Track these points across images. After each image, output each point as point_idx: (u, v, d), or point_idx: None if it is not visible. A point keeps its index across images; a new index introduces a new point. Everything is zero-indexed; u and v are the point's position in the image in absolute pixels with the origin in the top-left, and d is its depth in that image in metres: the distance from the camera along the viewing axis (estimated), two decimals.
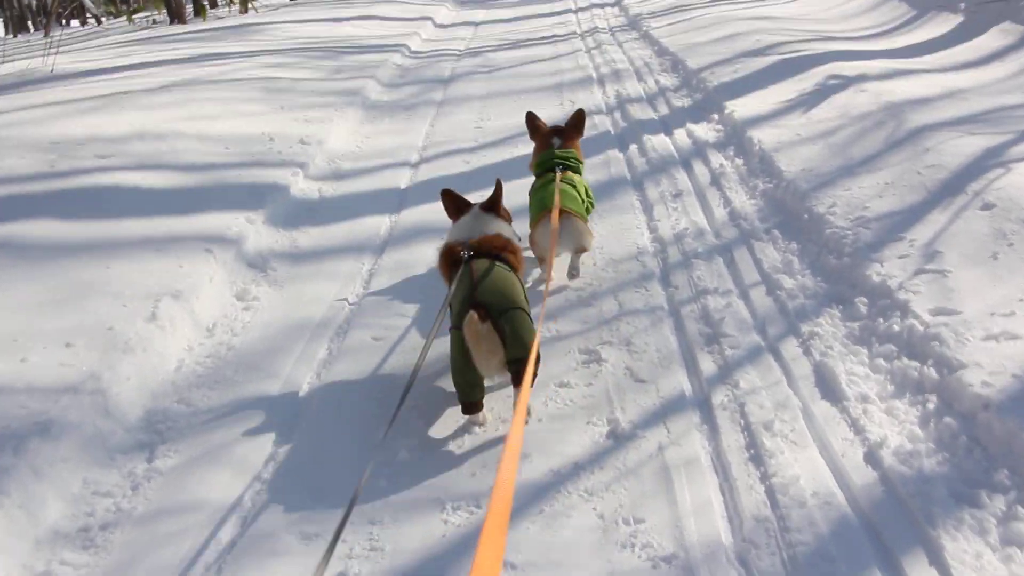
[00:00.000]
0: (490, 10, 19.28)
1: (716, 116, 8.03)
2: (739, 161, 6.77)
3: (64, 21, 26.30)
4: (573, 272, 4.88)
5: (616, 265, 5.28)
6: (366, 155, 7.94)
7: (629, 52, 12.08)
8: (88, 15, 25.23)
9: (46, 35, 16.52)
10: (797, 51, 9.81)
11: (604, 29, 14.76)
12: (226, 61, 11.22)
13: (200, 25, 15.77)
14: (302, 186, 6.91)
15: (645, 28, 13.76)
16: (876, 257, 4.78)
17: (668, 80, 10.00)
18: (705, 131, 7.69)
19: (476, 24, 17.06)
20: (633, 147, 7.56)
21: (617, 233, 5.74)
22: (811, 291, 4.73)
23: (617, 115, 8.76)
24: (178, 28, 15.45)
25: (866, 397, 3.74)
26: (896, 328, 4.14)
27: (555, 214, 4.37)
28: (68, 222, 5.55)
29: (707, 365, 4.18)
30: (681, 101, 8.94)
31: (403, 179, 7.25)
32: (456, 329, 3.53)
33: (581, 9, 17.91)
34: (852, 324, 4.35)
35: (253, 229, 5.82)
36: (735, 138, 7.28)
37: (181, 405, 4.03)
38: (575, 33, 14.58)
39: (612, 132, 8.18)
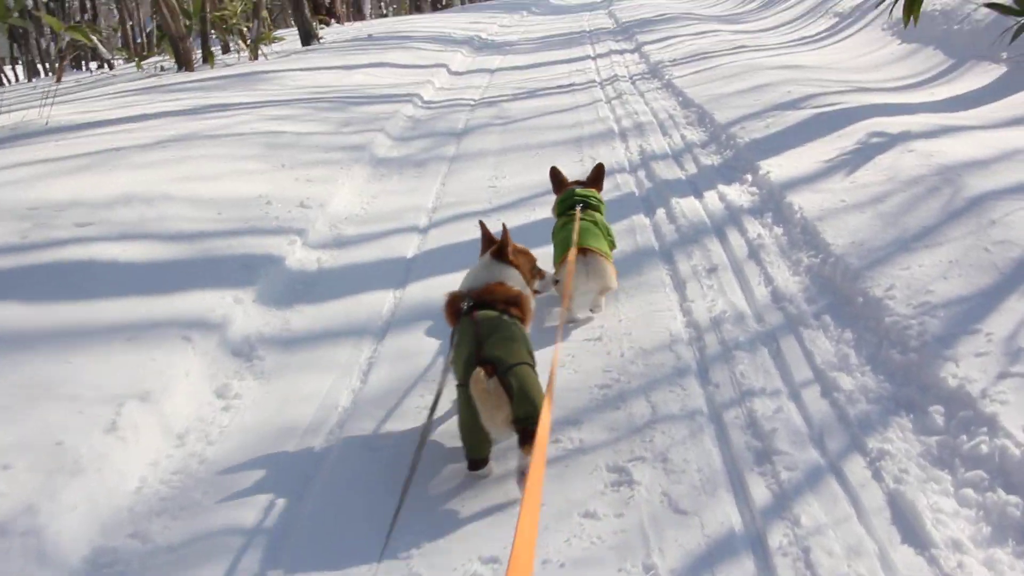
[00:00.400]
0: (506, 56, 18.88)
1: (749, 177, 7.43)
2: (778, 230, 6.16)
3: (76, 65, 26.10)
4: (595, 309, 5.07)
5: (646, 357, 4.67)
6: (371, 218, 7.39)
7: (652, 103, 11.54)
8: (102, 60, 24.97)
9: (57, 81, 16.15)
10: (832, 104, 9.23)
11: (624, 77, 14.26)
12: (229, 113, 10.74)
13: (207, 73, 15.37)
14: (300, 256, 6.34)
15: (667, 77, 13.24)
16: (949, 354, 4.15)
17: (695, 135, 9.43)
18: (738, 194, 7.09)
19: (492, 71, 16.62)
20: (660, 211, 6.97)
21: (646, 316, 5.12)
22: (874, 394, 4.10)
23: (641, 174, 8.18)
24: (185, 76, 15.05)
25: (959, 544, 3.10)
26: (984, 449, 3.51)
27: (572, 252, 4.51)
28: (31, 305, 4.98)
29: (759, 491, 3.54)
30: (710, 159, 8.35)
31: (410, 246, 6.68)
32: (463, 386, 3.50)
33: (600, 56, 17.46)
34: (928, 440, 3.71)
35: (241, 310, 5.25)
36: (772, 203, 6.68)
37: (136, 541, 3.42)
38: (594, 82, 14.08)
39: (636, 193, 7.60)
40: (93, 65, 26.78)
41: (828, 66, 12.63)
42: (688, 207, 6.95)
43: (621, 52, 17.74)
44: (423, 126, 11.16)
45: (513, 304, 3.92)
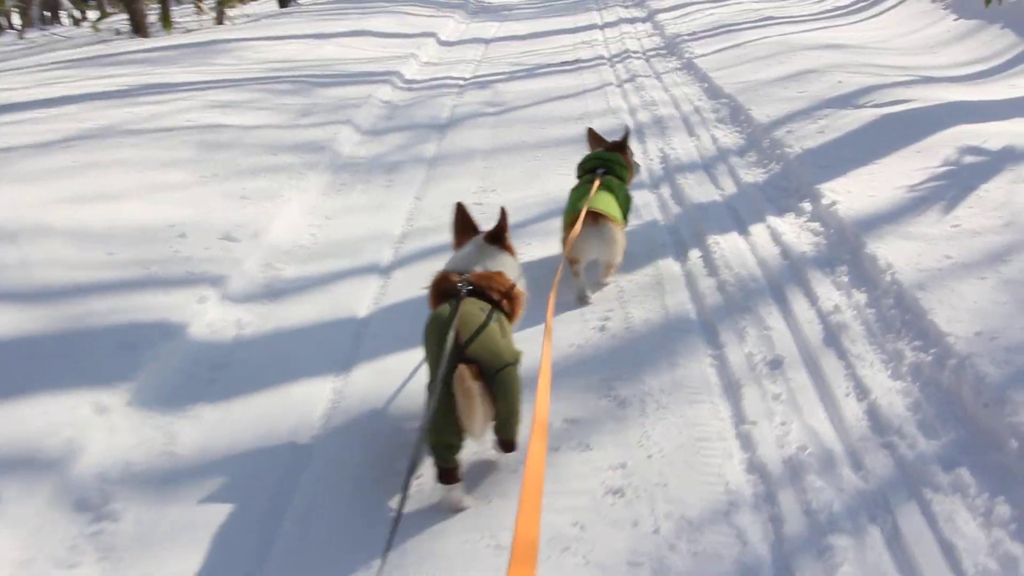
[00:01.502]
0: (504, 23, 17.14)
1: (808, 206, 5.82)
2: (861, 297, 4.56)
3: (55, 18, 24.19)
4: (603, 281, 4.98)
5: (693, 535, 3.11)
6: (320, 251, 5.80)
7: (672, 89, 9.87)
8: (66, 16, 23.04)
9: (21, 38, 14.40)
10: (898, 102, 7.58)
11: (637, 53, 12.56)
12: (166, 97, 9.07)
13: (161, 41, 13.65)
14: (212, 318, 4.74)
15: (687, 55, 11.55)
16: None
17: (728, 136, 7.78)
18: (795, 231, 5.49)
19: (487, 41, 14.91)
20: (694, 254, 5.38)
21: (688, 448, 3.56)
22: None
23: (666, 192, 6.55)
24: (135, 43, 13.35)
25: None
26: None
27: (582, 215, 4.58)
28: None
29: None
30: (752, 173, 6.72)
31: (365, 298, 5.13)
32: (443, 384, 3.09)
33: (608, 25, 15.74)
34: None
35: (102, 427, 3.64)
36: (845, 251, 5.08)
37: None
38: (603, 58, 12.38)
39: (661, 222, 5.99)
40: (67, 21, 24.81)
41: (875, 46, 10.93)
42: (731, 250, 5.34)
43: (632, 21, 16.00)
44: (401, 115, 9.48)
45: (508, 298, 3.66)
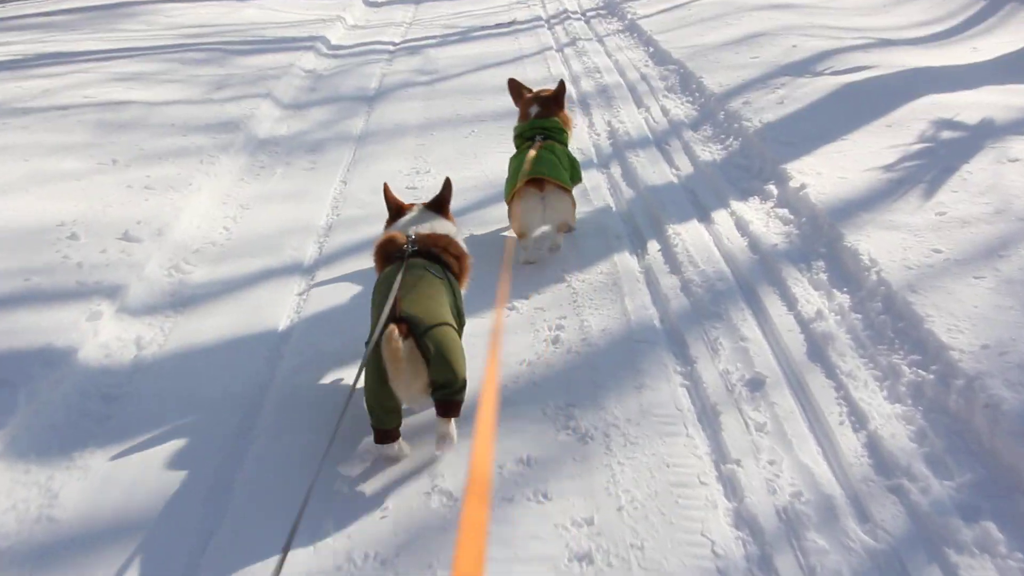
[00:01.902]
0: None
1: (773, 188, 5.31)
2: (844, 299, 4.09)
3: None
4: (554, 248, 4.76)
5: None
6: (235, 248, 5.15)
7: (616, 55, 9.29)
8: None
9: None
10: (859, 68, 7.12)
11: (576, 14, 11.96)
12: (63, 68, 8.24)
13: (63, 2, 12.61)
14: (106, 338, 4.10)
15: (630, 16, 10.97)
16: None
17: (680, 107, 7.25)
18: (763, 220, 4.98)
19: (417, 2, 14.14)
20: (653, 247, 4.85)
21: (664, 499, 3.05)
22: None
23: (616, 171, 6.01)
24: (32, 5, 12.29)
25: None
26: None
27: (521, 183, 4.39)
28: None
29: None
30: (708, 150, 6.20)
31: (286, 304, 4.55)
32: (374, 344, 3.00)
33: None
34: None
35: None
36: (821, 243, 4.60)
37: None
38: (540, 20, 11.76)
39: (614, 208, 5.44)
40: None
41: (824, 5, 10.47)
42: (693, 242, 4.82)
43: None
44: (325, 85, 8.76)
45: (457, 257, 3.60)
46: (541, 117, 4.98)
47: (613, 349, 3.95)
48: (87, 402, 3.74)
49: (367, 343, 3.15)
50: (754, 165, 5.79)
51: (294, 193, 6.04)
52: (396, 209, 3.87)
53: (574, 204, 4.64)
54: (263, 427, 3.55)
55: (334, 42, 10.60)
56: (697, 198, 5.45)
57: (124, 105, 7.13)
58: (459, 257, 3.65)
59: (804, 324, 3.96)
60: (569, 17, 11.74)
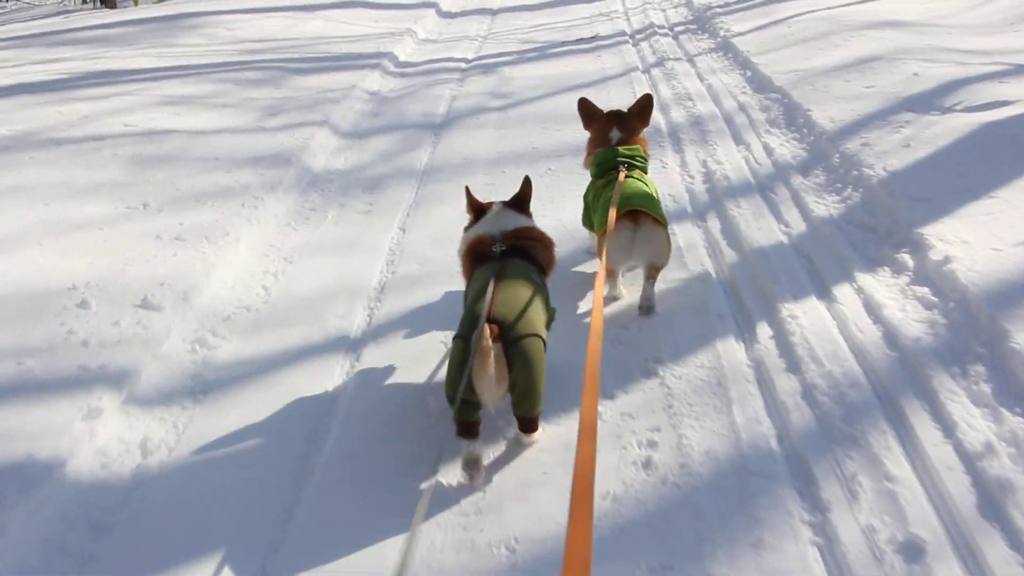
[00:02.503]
0: None
1: (909, 259, 4.45)
2: (1018, 424, 3.17)
3: None
4: (647, 303, 4.19)
5: None
6: (272, 317, 4.50)
7: (709, 78, 8.42)
8: None
9: None
10: (998, 103, 6.27)
11: (663, 29, 11.11)
12: (111, 89, 7.70)
13: (126, 13, 12.17)
14: (104, 442, 3.45)
15: (722, 33, 10.08)
16: None
17: (785, 146, 6.40)
18: (900, 301, 4.14)
19: (493, 12, 13.44)
20: (764, 333, 4.07)
21: None
22: None
23: (714, 226, 5.21)
24: (97, 16, 11.88)
25: None
26: None
27: (612, 213, 3.87)
28: None
29: None
30: (823, 202, 5.38)
31: (326, 395, 3.80)
32: (462, 339, 3.10)
33: None
34: None
35: None
36: (978, 340, 3.76)
37: None
38: (624, 34, 10.94)
39: (713, 274, 4.64)
40: None
41: (942, 22, 9.46)
42: (815, 329, 3.99)
43: None
44: (389, 110, 8.07)
45: (546, 247, 3.75)
46: (624, 143, 4.54)
47: (720, 482, 3.14)
48: (70, 535, 3.05)
49: (455, 336, 3.18)
50: (881, 225, 4.90)
51: (346, 243, 5.34)
52: (478, 210, 3.89)
53: (670, 242, 4.17)
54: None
55: (403, 59, 9.91)
56: (814, 266, 4.59)
57: (167, 135, 6.51)
58: (547, 246, 3.76)
59: (969, 460, 3.10)
60: (656, 32, 10.89)
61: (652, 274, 4.20)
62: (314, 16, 11.70)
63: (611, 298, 4.35)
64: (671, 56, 9.59)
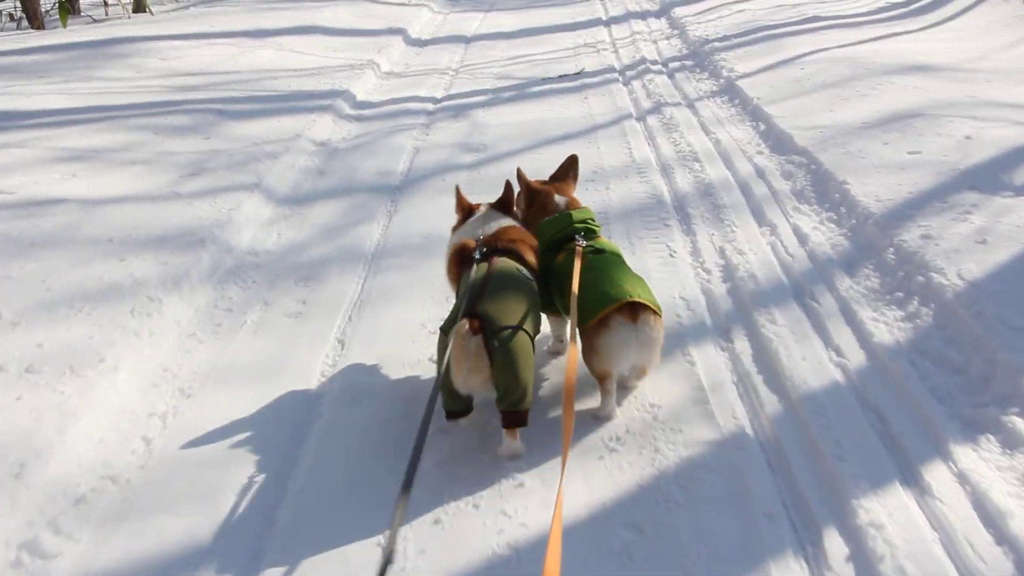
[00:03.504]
0: (488, 13, 14.51)
1: (1016, 421, 3.19)
2: None
3: None
4: (609, 412, 3.58)
5: None
6: (151, 489, 3.43)
7: (716, 131, 7.32)
8: None
9: None
10: None
11: (657, 64, 10.00)
12: None
13: (47, 38, 10.86)
14: None
15: (725, 72, 8.95)
16: None
17: (821, 229, 5.35)
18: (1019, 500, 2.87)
19: (467, 40, 12.27)
20: (834, 546, 2.93)
21: None
22: None
23: (742, 349, 4.17)
24: (14, 40, 10.56)
25: None
26: None
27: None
28: None
29: None
30: (884, 319, 4.28)
31: None
32: (443, 332, 3.33)
33: (615, 20, 13.12)
34: None
35: None
36: None
37: None
38: (613, 70, 9.81)
39: (751, 434, 3.48)
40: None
41: (973, 66, 8.40)
42: (913, 548, 2.84)
43: (643, 16, 13.43)
44: (339, 165, 6.84)
45: (527, 246, 3.75)
46: (572, 207, 3.99)
47: None
48: None
49: (439, 329, 3.38)
50: (970, 363, 3.74)
51: (266, 364, 4.13)
52: (466, 211, 3.99)
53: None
54: None
55: (361, 97, 8.68)
56: (889, 430, 3.42)
57: (52, 206, 5.25)
58: (533, 247, 3.77)
59: None
60: (649, 69, 9.72)
61: (639, 376, 3.71)
62: (264, 44, 10.44)
63: (607, 416, 3.59)
64: (668, 100, 8.42)
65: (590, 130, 7.62)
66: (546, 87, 9.36)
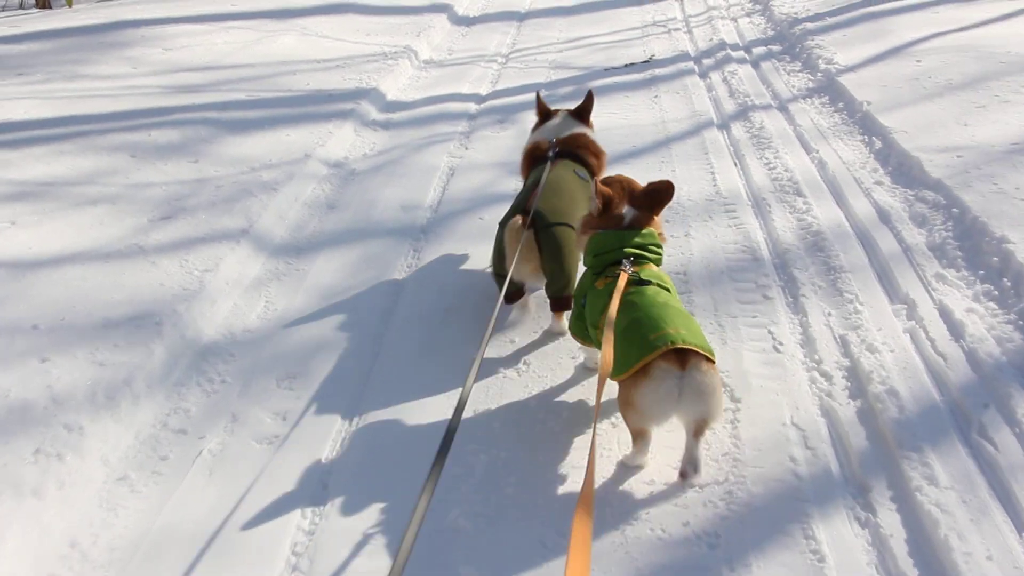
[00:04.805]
0: None
1: None
2: None
3: None
4: (691, 465, 3.09)
5: None
6: None
7: (818, 146, 6.09)
8: None
9: None
10: None
11: (739, 51, 8.64)
12: None
13: (44, 22, 9.75)
14: None
15: (822, 64, 7.60)
16: None
17: (975, 309, 4.15)
18: None
19: (521, 18, 10.90)
20: None
21: None
22: None
23: (897, 554, 2.73)
24: (18, 24, 9.44)
25: None
26: None
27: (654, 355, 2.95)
28: None
29: None
30: None
31: None
32: (500, 226, 3.82)
33: None
34: None
35: None
36: None
37: None
38: (688, 57, 8.57)
39: None
40: None
41: None
42: None
43: None
44: (354, 195, 5.65)
45: (595, 154, 4.29)
46: (637, 225, 3.41)
47: None
48: None
49: (500, 223, 3.87)
50: None
51: (223, 526, 3.00)
52: (544, 114, 4.52)
53: (722, 386, 3.23)
54: None
55: (391, 96, 7.43)
56: None
57: None
58: (597, 155, 4.32)
59: None
60: (729, 57, 8.34)
61: (701, 431, 3.08)
62: (288, 28, 9.20)
63: (635, 466, 3.20)
64: (756, 101, 7.05)
65: (663, 144, 6.32)
66: (609, 80, 8.03)
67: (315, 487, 3.23)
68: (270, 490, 3.21)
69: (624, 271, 3.24)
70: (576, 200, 3.85)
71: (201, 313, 4.13)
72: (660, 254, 3.45)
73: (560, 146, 4.15)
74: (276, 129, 6.35)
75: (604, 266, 3.38)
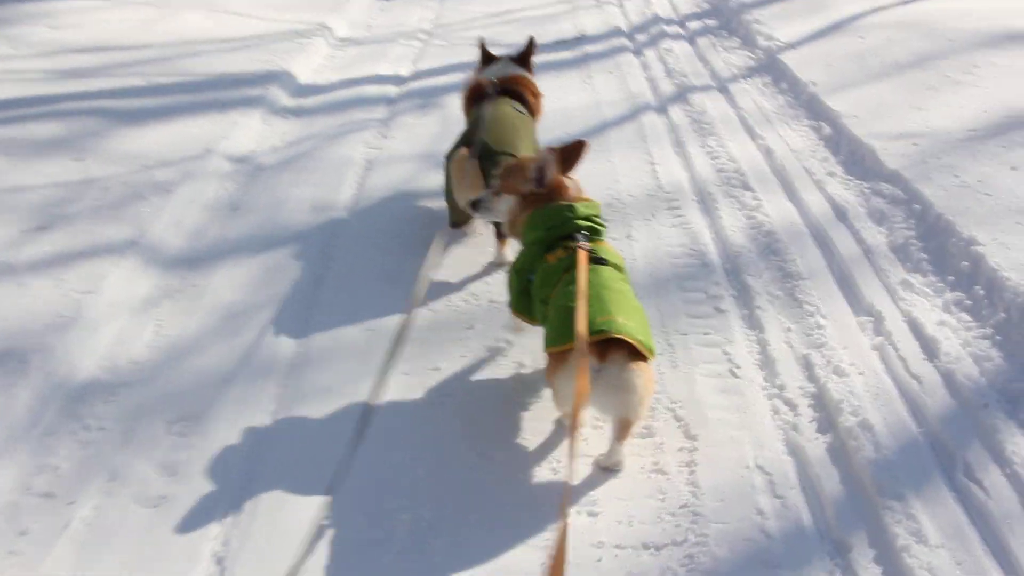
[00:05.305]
0: None
1: None
2: None
3: None
4: (612, 457, 3.00)
5: None
6: None
7: (763, 131, 5.77)
8: None
9: None
10: None
11: (673, 26, 8.32)
12: None
13: None
14: None
15: (762, 41, 7.42)
16: None
17: (948, 323, 3.81)
18: None
19: None
20: None
21: None
22: None
23: None
24: None
25: None
26: None
27: (581, 339, 2.66)
28: None
29: None
30: None
31: None
32: (446, 158, 4.13)
33: None
34: None
35: None
36: None
37: None
38: (621, 33, 8.16)
39: None
40: None
41: None
42: None
43: None
44: (259, 195, 5.10)
45: (533, 95, 4.52)
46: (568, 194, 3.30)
47: None
48: None
49: (446, 156, 4.17)
50: None
51: None
52: (487, 58, 4.74)
53: (652, 385, 2.92)
54: None
55: (304, 79, 6.86)
56: None
57: None
58: (535, 95, 4.55)
59: None
60: (664, 33, 7.92)
61: (624, 430, 2.93)
62: (192, 3, 8.54)
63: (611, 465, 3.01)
64: (695, 81, 6.65)
65: (598, 129, 5.88)
66: (537, 58, 7.50)
67: (208, 563, 2.72)
68: (154, 567, 2.71)
69: (581, 247, 3.07)
70: (519, 131, 4.07)
71: (78, 344, 3.58)
72: (604, 227, 3.30)
73: (501, 84, 4.36)
74: (175, 120, 5.75)
75: (555, 239, 3.20)
